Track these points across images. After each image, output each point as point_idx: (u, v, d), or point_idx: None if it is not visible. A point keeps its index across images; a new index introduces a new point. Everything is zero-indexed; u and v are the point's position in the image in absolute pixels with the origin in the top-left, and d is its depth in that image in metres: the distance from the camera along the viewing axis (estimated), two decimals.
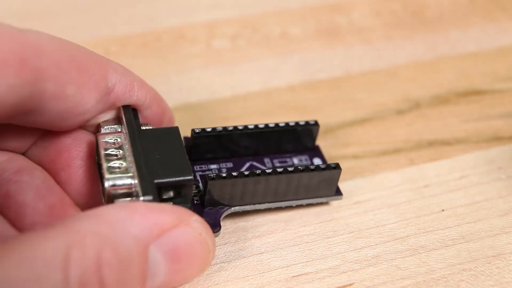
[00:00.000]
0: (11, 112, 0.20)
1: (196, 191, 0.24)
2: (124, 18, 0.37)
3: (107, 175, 0.21)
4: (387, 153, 0.28)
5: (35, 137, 0.23)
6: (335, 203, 0.26)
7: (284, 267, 0.23)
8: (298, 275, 0.23)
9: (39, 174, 0.23)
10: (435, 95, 0.30)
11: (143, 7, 0.38)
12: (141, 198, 0.20)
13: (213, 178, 0.23)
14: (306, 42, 0.38)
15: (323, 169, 0.24)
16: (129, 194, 0.21)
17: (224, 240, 0.24)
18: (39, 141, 0.23)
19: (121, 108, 0.23)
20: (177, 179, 0.22)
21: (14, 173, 0.22)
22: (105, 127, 0.23)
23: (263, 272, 0.23)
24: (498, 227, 0.25)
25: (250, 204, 0.24)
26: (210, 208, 0.24)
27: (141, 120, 0.24)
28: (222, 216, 0.24)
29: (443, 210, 0.25)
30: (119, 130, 0.23)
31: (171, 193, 0.22)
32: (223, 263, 0.23)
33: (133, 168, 0.21)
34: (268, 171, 0.23)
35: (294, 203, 0.25)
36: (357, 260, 0.23)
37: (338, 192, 0.25)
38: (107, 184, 0.21)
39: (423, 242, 0.24)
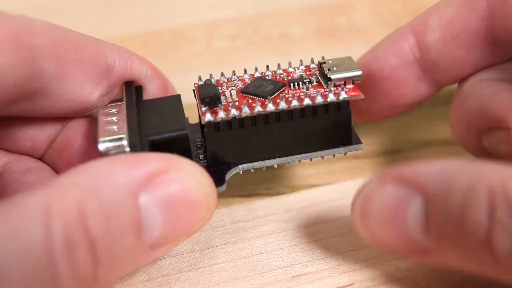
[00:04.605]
0: (15, 93, 0.19)
1: (203, 154, 0.24)
2: (124, 18, 0.37)
3: (100, 138, 0.20)
4: (387, 153, 0.28)
5: (49, 139, 0.23)
6: (335, 203, 0.26)
7: (284, 267, 0.23)
8: (298, 275, 0.23)
9: (48, 175, 0.23)
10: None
11: (143, 7, 0.38)
12: (127, 149, 0.20)
13: (208, 131, 0.22)
14: (306, 42, 0.38)
15: (328, 111, 0.23)
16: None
17: (224, 240, 0.24)
18: (54, 144, 0.23)
19: (123, 83, 0.23)
20: (171, 134, 0.21)
21: (21, 174, 0.22)
22: (109, 104, 0.23)
23: (263, 272, 0.23)
24: None
25: (258, 161, 0.23)
26: (217, 169, 0.23)
27: (146, 97, 0.24)
28: (229, 174, 0.23)
29: None
30: (121, 103, 0.23)
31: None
32: (223, 263, 0.23)
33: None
34: (269, 117, 0.22)
35: (309, 155, 0.23)
36: (357, 260, 0.23)
37: (356, 140, 0.24)
38: (100, 146, 0.20)
39: None
